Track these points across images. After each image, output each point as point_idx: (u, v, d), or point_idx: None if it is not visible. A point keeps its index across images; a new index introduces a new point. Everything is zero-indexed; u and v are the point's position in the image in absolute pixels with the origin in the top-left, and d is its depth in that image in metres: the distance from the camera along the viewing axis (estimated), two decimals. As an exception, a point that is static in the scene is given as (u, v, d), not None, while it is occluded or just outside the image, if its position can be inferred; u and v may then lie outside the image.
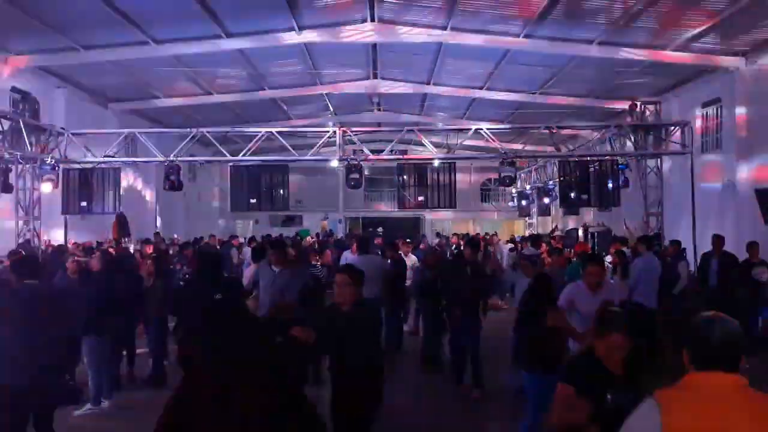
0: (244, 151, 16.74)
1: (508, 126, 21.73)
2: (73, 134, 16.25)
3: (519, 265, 11.93)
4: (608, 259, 13.11)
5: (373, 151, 17.93)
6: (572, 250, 15.64)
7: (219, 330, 3.21)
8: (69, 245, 15.39)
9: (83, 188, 16.18)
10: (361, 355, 5.07)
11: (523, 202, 28.03)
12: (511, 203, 30.78)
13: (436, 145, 17.56)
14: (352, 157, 16.58)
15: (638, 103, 17.48)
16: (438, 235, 28.67)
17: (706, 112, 17.12)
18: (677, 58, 15.37)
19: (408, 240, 15.93)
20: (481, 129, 16.42)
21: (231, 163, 17.82)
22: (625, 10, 13.21)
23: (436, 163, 16.91)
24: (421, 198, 16.99)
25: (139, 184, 22.54)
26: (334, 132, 16.53)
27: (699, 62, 15.60)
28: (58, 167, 15.52)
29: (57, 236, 16.68)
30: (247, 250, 15.88)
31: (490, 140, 16.42)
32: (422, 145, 16.98)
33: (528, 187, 27.23)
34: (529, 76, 19.09)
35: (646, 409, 2.55)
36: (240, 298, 6.62)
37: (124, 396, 8.45)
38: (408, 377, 9.62)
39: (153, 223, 23.08)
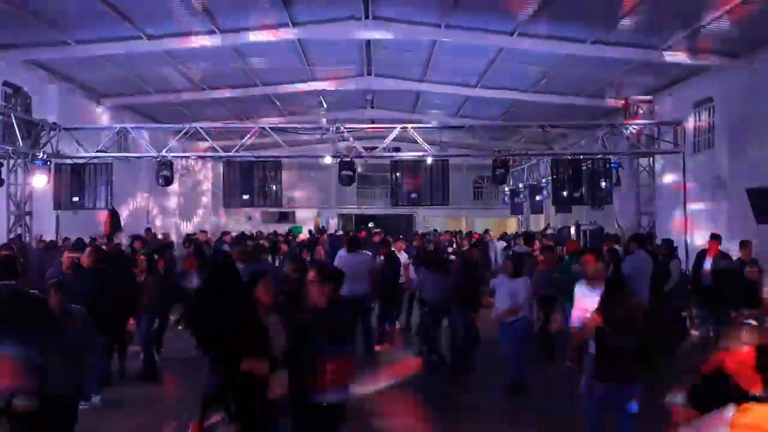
0: (236, 147, 16.71)
1: (501, 123, 21.75)
2: (65, 129, 16.18)
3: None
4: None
5: (366, 148, 17.92)
6: (564, 248, 15.68)
7: None
8: (60, 241, 15.33)
9: (75, 183, 16.11)
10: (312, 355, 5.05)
11: (516, 200, 28.09)
12: (503, 201, 30.82)
13: (430, 143, 17.53)
14: (345, 153, 16.57)
15: (631, 102, 17.53)
16: (435, 232, 28.72)
17: (699, 112, 17.18)
18: (670, 57, 15.40)
19: (401, 237, 15.96)
20: (475, 127, 16.44)
21: (224, 159, 17.76)
22: (618, 8, 13.23)
23: (429, 160, 16.91)
24: (414, 195, 16.99)
25: (131, 180, 22.45)
26: (328, 129, 16.50)
27: (692, 62, 15.65)
28: (50, 162, 15.45)
29: (49, 231, 16.60)
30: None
31: (483, 138, 16.46)
32: (415, 142, 16.96)
33: (520, 185, 27.29)
34: (522, 75, 19.11)
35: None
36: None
37: (115, 392, 8.43)
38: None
39: (145, 219, 23.01)
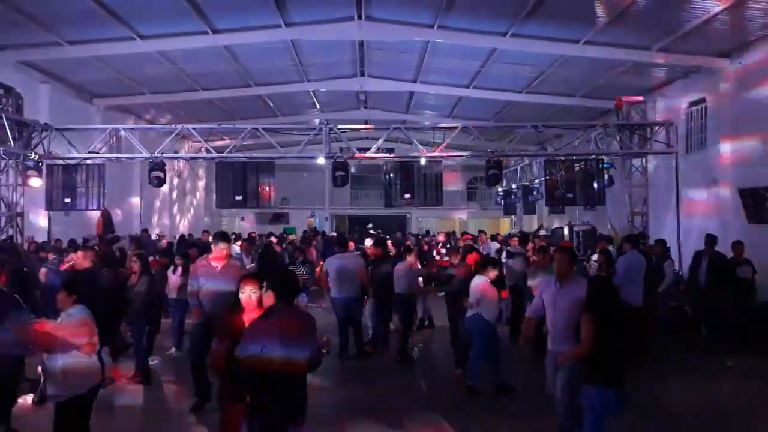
0: (229, 148, 16.67)
1: (494, 124, 21.77)
2: (57, 130, 16.11)
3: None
4: (594, 257, 13.18)
5: (359, 149, 17.90)
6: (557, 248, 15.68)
7: None
8: (53, 243, 15.27)
9: (67, 184, 16.02)
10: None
11: (509, 201, 28.13)
12: (496, 202, 30.85)
13: (423, 143, 17.53)
14: (339, 154, 16.54)
15: (624, 103, 17.55)
16: (427, 233, 28.78)
17: (691, 112, 17.23)
18: (663, 58, 15.44)
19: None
20: (468, 127, 16.43)
21: (216, 160, 17.69)
22: (610, 9, 13.26)
23: (423, 161, 16.90)
24: (407, 196, 16.96)
25: (123, 181, 22.37)
26: (321, 129, 16.47)
27: (684, 62, 15.69)
28: (42, 163, 15.37)
29: (40, 233, 16.54)
30: (234, 247, 15.95)
31: (477, 138, 16.44)
32: (409, 143, 16.94)
33: (514, 185, 27.33)
34: (515, 75, 19.13)
35: None
36: None
37: (106, 392, 8.38)
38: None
39: (137, 220, 22.94)
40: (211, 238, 8.47)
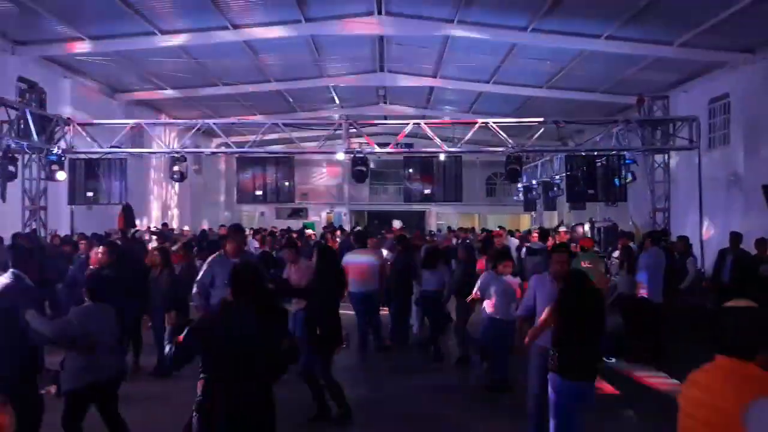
0: (249, 143, 16.72)
1: (514, 120, 21.65)
2: (79, 124, 16.24)
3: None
4: (616, 254, 13.07)
5: (378, 144, 17.88)
6: (578, 245, 15.58)
7: None
8: (76, 237, 15.41)
9: (89, 179, 16.14)
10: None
11: (529, 197, 27.93)
12: (516, 198, 30.67)
13: (443, 139, 17.47)
14: (358, 149, 16.52)
15: (646, 98, 17.37)
16: (449, 229, 28.64)
17: (714, 108, 17.03)
18: (685, 53, 15.27)
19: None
20: (488, 123, 16.34)
21: (236, 155, 17.76)
22: (633, 4, 13.14)
23: (442, 156, 16.83)
24: (426, 192, 16.90)
25: (145, 175, 22.55)
26: (340, 124, 16.47)
27: (707, 58, 15.51)
28: (65, 157, 15.51)
29: (63, 227, 16.71)
30: (252, 241, 16.10)
31: (497, 134, 16.35)
32: (428, 138, 16.89)
33: (534, 181, 27.14)
34: (536, 70, 19.04)
35: None
36: None
37: (129, 387, 8.44)
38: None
39: (159, 215, 23.12)
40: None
